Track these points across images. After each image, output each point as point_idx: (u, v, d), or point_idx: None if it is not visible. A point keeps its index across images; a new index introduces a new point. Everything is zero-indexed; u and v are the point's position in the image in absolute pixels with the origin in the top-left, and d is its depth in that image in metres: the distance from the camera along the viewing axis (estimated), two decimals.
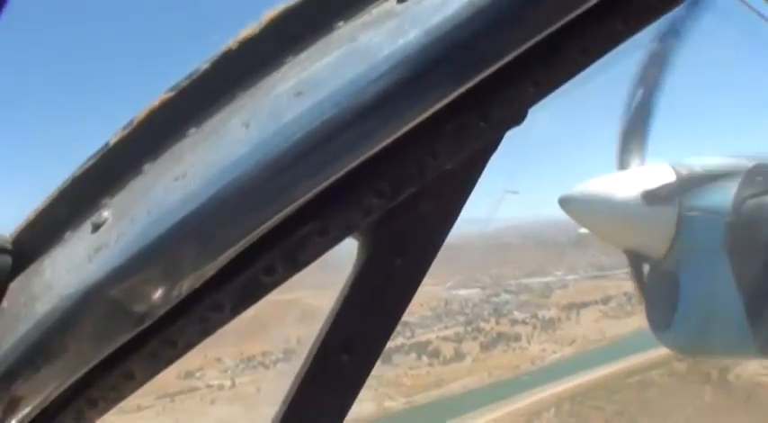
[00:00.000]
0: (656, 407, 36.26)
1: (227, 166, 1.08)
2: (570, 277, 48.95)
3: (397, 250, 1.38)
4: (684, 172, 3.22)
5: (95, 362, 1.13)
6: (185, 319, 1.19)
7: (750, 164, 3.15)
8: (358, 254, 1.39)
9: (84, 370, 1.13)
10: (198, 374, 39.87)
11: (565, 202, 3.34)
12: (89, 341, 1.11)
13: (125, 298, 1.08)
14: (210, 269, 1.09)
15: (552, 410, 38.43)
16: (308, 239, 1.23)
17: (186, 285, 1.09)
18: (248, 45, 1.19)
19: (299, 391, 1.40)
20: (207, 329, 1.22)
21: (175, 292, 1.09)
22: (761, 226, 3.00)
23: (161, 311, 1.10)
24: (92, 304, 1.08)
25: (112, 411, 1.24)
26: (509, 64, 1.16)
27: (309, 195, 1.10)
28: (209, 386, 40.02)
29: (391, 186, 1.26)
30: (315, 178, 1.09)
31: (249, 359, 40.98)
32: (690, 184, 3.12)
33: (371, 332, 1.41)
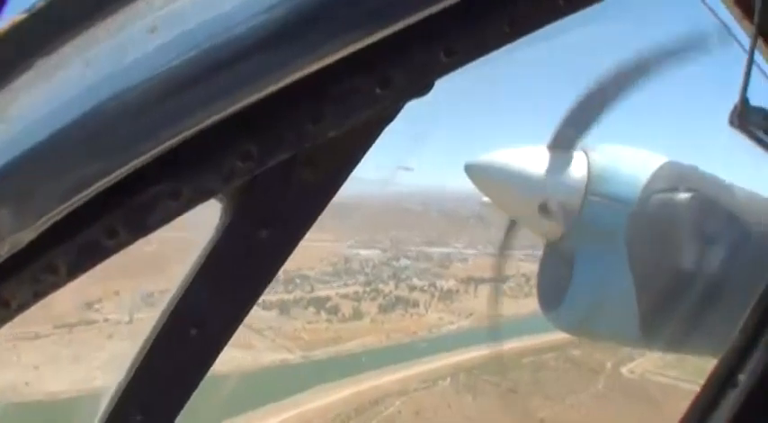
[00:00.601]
0: (549, 389, 37.79)
1: (55, 112, 0.92)
2: (470, 251, 50.13)
3: (264, 221, 1.24)
4: (594, 158, 3.22)
5: None
6: (17, 278, 1.06)
7: (662, 160, 3.21)
8: (220, 220, 1.26)
9: None
10: (96, 306, 37.75)
11: (470, 169, 3.28)
12: None
13: None
14: (31, 232, 0.96)
15: (448, 380, 39.60)
16: (157, 202, 1.08)
17: (5, 248, 0.97)
18: None
19: (143, 363, 1.29)
20: (40, 291, 1.09)
21: None
22: (663, 220, 3.10)
23: None
24: None
25: (10, 339, 1.12)
26: (421, 25, 1.01)
27: (155, 152, 0.95)
28: (106, 320, 38.16)
29: (260, 149, 1.11)
30: (162, 133, 0.94)
31: (147, 296, 39.05)
32: (595, 170, 3.14)
33: (225, 308, 1.30)
